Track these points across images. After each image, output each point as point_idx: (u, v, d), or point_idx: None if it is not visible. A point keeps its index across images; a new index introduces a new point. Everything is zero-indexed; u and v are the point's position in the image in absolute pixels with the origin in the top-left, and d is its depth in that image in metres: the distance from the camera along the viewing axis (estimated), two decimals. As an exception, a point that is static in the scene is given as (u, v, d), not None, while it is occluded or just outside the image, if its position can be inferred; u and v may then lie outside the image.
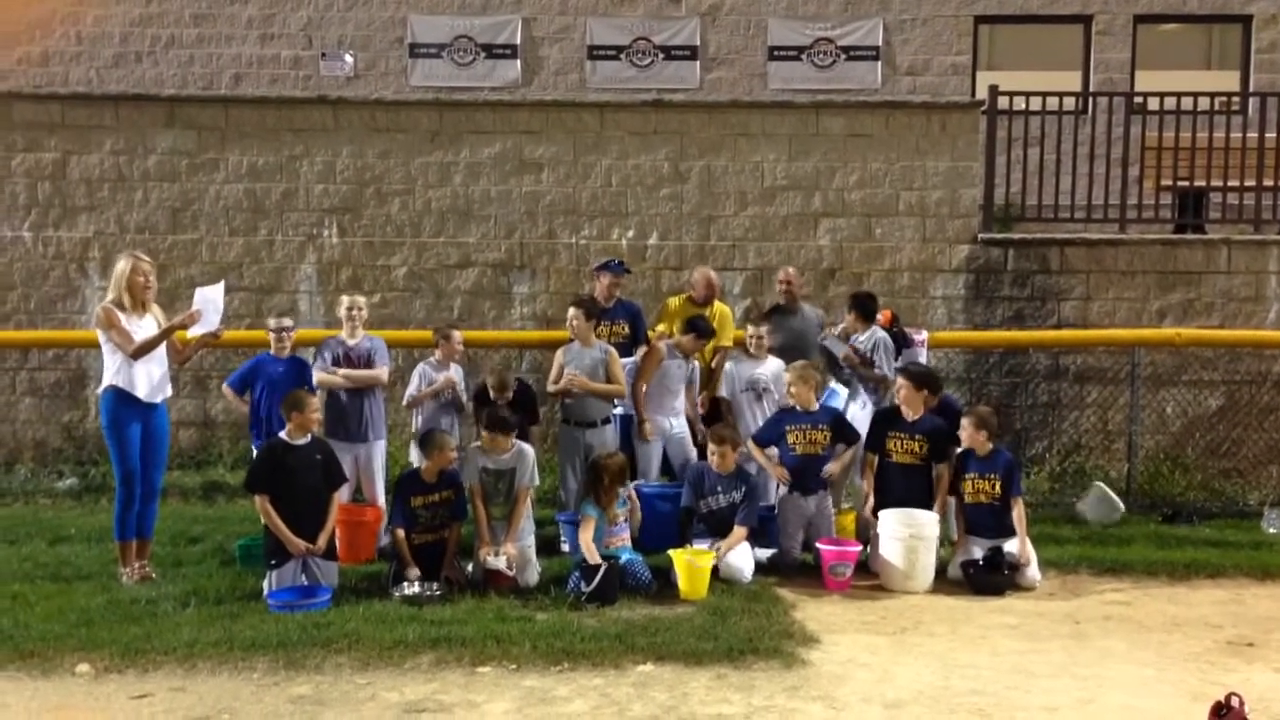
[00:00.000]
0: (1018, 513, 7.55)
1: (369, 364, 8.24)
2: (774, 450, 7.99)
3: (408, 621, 6.26)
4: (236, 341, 9.57)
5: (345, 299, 8.49)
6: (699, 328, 8.50)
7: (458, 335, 8.65)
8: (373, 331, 8.64)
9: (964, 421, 7.74)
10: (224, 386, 8.69)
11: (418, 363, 8.68)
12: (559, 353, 8.37)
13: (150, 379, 7.13)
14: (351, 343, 8.27)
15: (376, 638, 6.00)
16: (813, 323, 9.16)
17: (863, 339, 8.58)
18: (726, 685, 5.48)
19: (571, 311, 8.33)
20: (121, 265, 7.12)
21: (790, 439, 7.88)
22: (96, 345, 7.35)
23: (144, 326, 7.10)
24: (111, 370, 7.05)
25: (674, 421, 8.47)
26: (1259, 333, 10.55)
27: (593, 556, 7.02)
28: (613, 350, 8.33)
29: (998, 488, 7.60)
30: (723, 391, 8.78)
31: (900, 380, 8.02)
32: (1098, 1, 14.92)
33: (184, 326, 7.15)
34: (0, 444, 10.92)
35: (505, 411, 7.63)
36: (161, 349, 7.20)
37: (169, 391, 7.37)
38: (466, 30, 14.77)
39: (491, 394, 8.28)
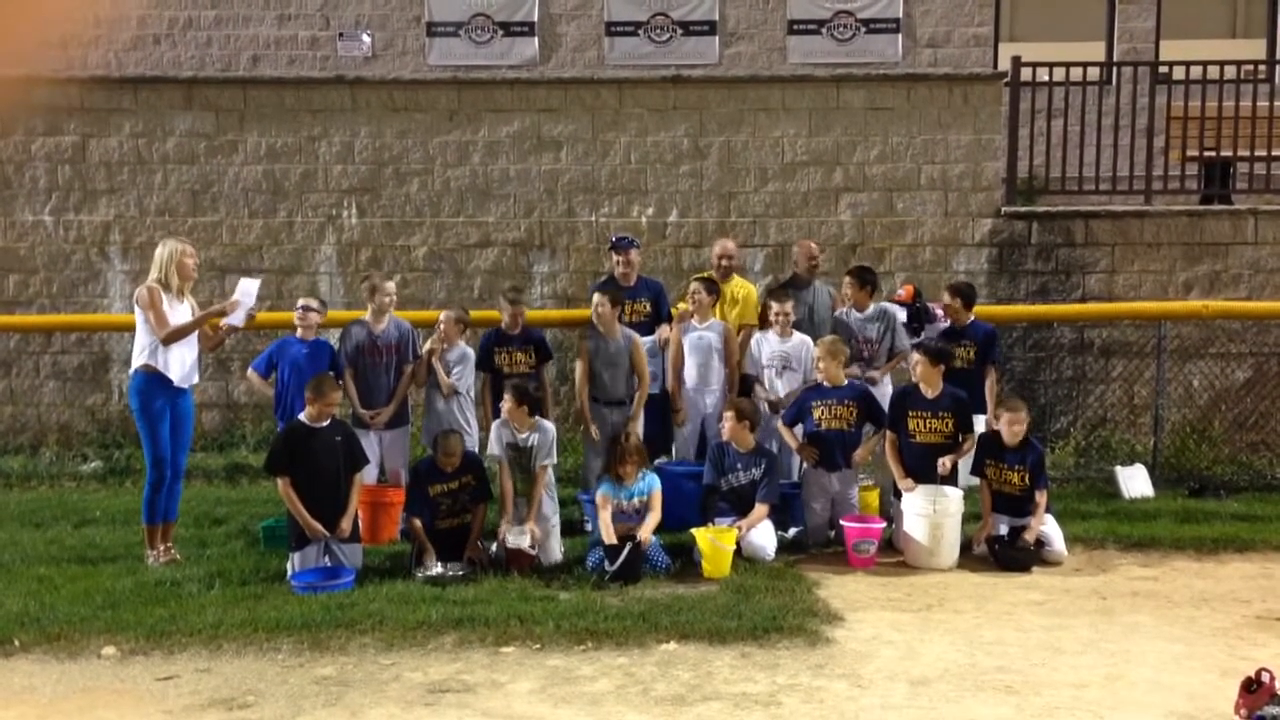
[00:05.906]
0: (1041, 505, 7.50)
1: (394, 352, 8.18)
2: (799, 428, 7.94)
3: (431, 602, 6.27)
4: (258, 324, 9.52)
5: (365, 285, 8.36)
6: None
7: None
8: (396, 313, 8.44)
9: (1003, 415, 7.64)
10: (249, 371, 8.55)
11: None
12: (582, 343, 8.27)
13: (183, 364, 7.16)
14: (378, 329, 8.19)
15: (400, 618, 6.01)
16: (824, 299, 9.03)
17: (862, 316, 8.52)
18: (751, 664, 5.46)
19: (596, 298, 8.06)
20: (169, 248, 7.15)
21: (816, 414, 7.81)
22: (119, 328, 7.39)
23: (179, 312, 7.12)
24: (146, 351, 7.05)
25: (710, 400, 8.38)
26: (1288, 304, 10.38)
27: (610, 538, 7.00)
28: (636, 338, 8.18)
29: (1026, 480, 7.54)
30: (750, 368, 8.70)
31: (916, 357, 7.90)
32: (1121, -30, 14.72)
33: (221, 314, 7.18)
34: (25, 428, 10.99)
35: (529, 385, 7.54)
36: (194, 335, 7.22)
37: (197, 379, 7.41)
38: (484, 8, 14.66)
39: (504, 325, 8.24)
